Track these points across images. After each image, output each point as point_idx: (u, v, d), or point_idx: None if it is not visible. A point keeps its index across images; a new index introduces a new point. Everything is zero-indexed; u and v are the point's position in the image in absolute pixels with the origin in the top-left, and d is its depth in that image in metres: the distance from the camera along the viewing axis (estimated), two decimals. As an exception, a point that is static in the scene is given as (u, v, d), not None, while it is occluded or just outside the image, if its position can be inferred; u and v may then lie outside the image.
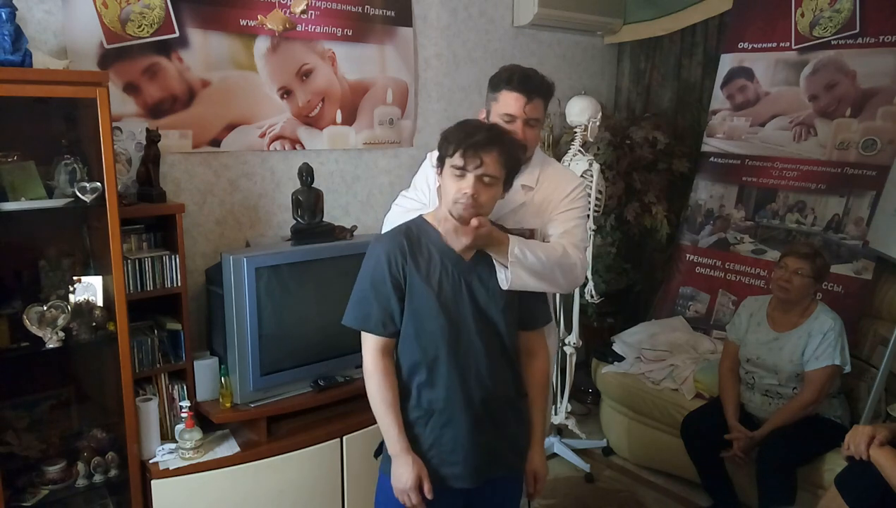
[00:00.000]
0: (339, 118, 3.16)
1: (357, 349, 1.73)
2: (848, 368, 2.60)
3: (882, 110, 3.18)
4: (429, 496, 1.63)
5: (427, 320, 1.64)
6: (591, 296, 3.10)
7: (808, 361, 2.59)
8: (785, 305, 2.70)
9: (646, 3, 4.03)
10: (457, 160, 1.57)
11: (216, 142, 2.84)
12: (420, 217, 1.74)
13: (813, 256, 2.64)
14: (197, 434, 2.43)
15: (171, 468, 2.37)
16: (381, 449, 1.77)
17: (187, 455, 2.40)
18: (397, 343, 1.69)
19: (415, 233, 1.69)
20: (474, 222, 1.58)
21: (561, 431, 3.28)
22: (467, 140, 1.57)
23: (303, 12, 2.91)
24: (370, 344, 1.67)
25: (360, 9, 3.17)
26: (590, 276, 3.08)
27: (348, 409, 2.68)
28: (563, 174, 1.99)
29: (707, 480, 2.80)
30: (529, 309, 1.74)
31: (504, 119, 1.84)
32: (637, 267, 4.06)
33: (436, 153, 1.69)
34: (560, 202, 1.90)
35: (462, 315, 1.64)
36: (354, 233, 2.86)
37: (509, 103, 1.84)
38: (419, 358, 1.65)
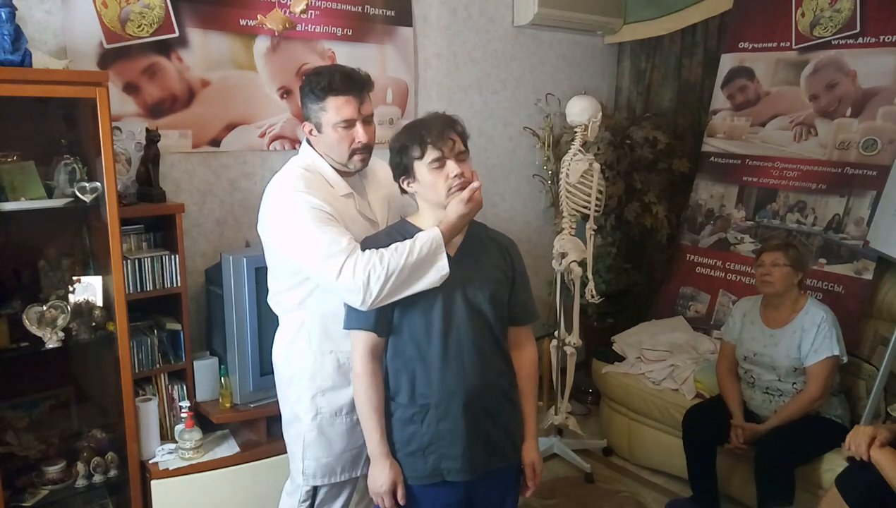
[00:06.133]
0: (339, 118, 3.16)
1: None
2: (845, 359, 2.61)
3: (882, 110, 3.18)
4: (401, 501, 1.68)
5: (418, 316, 1.65)
6: (592, 296, 3.10)
7: (807, 356, 2.59)
8: (774, 300, 2.72)
9: (646, 2, 4.03)
10: (431, 154, 1.60)
11: (216, 142, 2.84)
12: (403, 220, 1.76)
13: (785, 246, 2.68)
14: (197, 435, 2.43)
15: (170, 468, 2.37)
16: None
17: (187, 456, 2.40)
18: (387, 344, 1.70)
19: (400, 234, 1.70)
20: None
21: (561, 431, 3.27)
22: (429, 134, 1.60)
23: (303, 12, 2.90)
24: (360, 345, 1.68)
25: (360, 8, 3.17)
26: (590, 276, 3.08)
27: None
28: (376, 162, 1.98)
29: (694, 473, 2.78)
30: (518, 305, 1.76)
31: (341, 126, 1.77)
32: (637, 267, 4.05)
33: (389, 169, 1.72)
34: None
35: (453, 308, 1.65)
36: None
37: (342, 109, 1.76)
38: (412, 355, 1.67)
